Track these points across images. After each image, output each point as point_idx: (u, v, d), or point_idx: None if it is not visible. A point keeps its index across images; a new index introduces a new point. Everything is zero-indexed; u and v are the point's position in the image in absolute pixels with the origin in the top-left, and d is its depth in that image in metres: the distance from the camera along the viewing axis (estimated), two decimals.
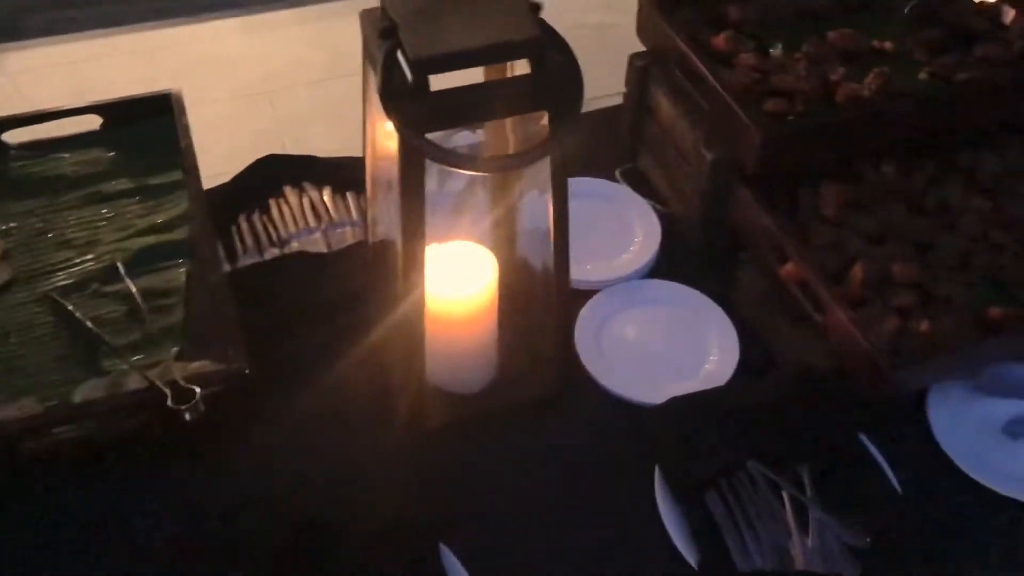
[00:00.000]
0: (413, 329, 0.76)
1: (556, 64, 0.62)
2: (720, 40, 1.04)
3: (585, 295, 0.99)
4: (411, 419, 0.83)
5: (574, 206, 1.07)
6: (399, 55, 0.62)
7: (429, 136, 0.62)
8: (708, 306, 0.97)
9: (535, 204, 0.80)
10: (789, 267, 0.90)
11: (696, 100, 0.99)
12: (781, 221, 0.92)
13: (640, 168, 1.13)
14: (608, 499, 0.83)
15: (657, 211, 1.07)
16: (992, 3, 1.08)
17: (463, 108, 0.63)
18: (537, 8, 0.63)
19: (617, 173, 1.12)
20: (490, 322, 0.83)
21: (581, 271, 1.00)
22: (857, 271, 0.88)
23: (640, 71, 1.06)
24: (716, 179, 0.96)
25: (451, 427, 0.86)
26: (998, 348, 0.87)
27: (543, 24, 0.63)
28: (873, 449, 0.85)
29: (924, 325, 0.84)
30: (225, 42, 2.54)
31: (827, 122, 0.94)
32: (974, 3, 1.08)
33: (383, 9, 0.64)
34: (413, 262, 0.68)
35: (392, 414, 0.84)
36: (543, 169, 0.69)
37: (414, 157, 0.62)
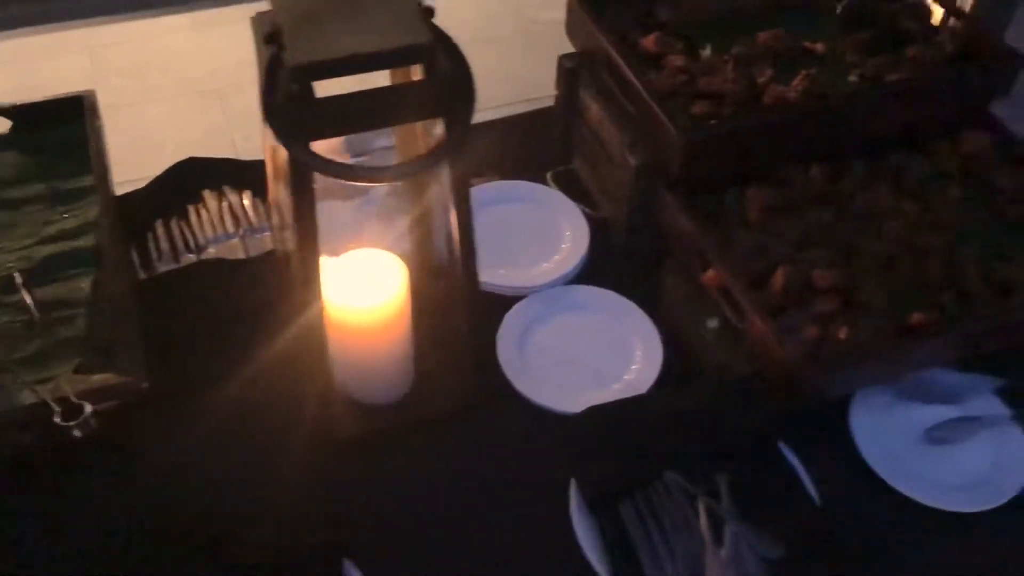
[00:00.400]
0: (315, 340, 0.74)
1: (448, 70, 0.60)
2: (649, 41, 1.02)
3: (511, 301, 0.97)
4: (319, 431, 0.81)
5: (503, 210, 1.06)
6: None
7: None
8: (634, 312, 0.96)
9: (448, 211, 0.78)
10: (710, 273, 0.88)
11: (622, 103, 0.97)
12: (704, 226, 0.90)
13: (574, 171, 1.11)
14: (523, 512, 0.82)
15: (587, 215, 1.05)
16: (925, 5, 1.07)
17: (350, 115, 0.61)
18: (430, 12, 0.61)
19: (549, 176, 1.10)
20: (402, 331, 0.81)
21: (506, 277, 0.98)
22: (778, 277, 0.87)
23: (569, 72, 1.05)
24: (640, 184, 0.95)
25: (363, 439, 0.84)
26: (919, 354, 0.87)
27: (435, 29, 0.61)
28: (792, 458, 0.84)
29: (843, 332, 0.83)
30: (175, 38, 2.50)
31: (751, 125, 0.93)
32: (907, 5, 1.07)
33: (269, 13, 0.62)
34: (307, 272, 0.66)
35: (301, 426, 0.82)
36: None
37: (300, 166, 0.60)
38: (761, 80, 0.97)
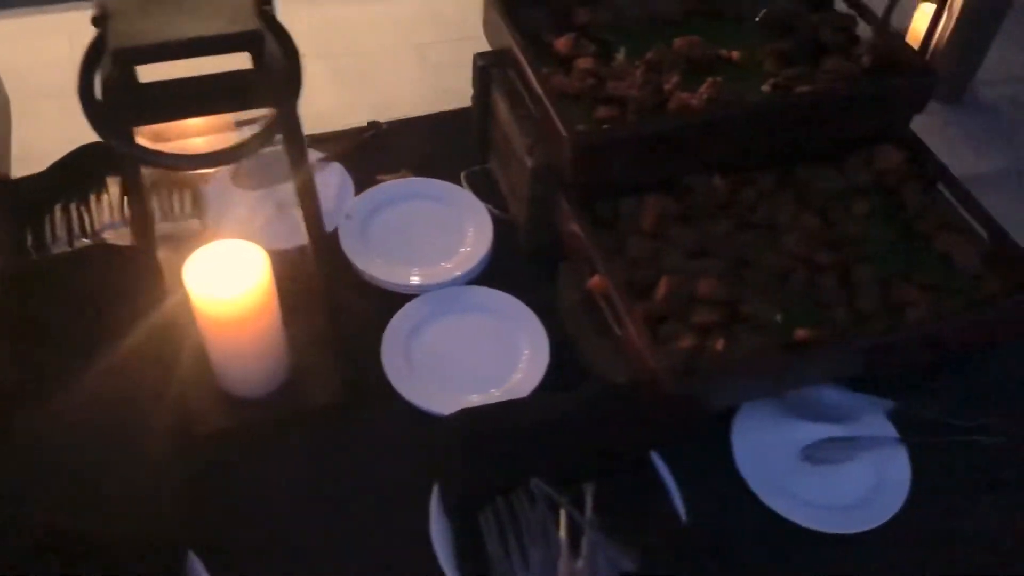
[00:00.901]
0: (184, 331, 0.73)
1: (276, 59, 0.59)
2: (561, 43, 1.01)
3: (409, 299, 0.96)
4: (185, 423, 0.80)
5: (411, 207, 1.05)
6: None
7: None
8: (526, 316, 0.94)
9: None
10: (595, 279, 0.87)
11: (527, 103, 0.96)
12: (594, 231, 0.89)
13: (490, 171, 1.10)
14: (384, 516, 0.81)
15: (496, 216, 1.04)
16: (848, 17, 1.05)
17: (175, 102, 0.60)
18: (265, 1, 0.60)
19: (462, 176, 1.09)
20: (268, 323, 0.80)
21: (401, 275, 0.97)
22: (661, 286, 0.85)
23: (482, 71, 1.04)
24: (537, 186, 0.94)
25: (231, 432, 0.83)
26: (802, 371, 0.85)
27: (268, 18, 0.60)
28: (664, 470, 0.82)
29: (719, 344, 0.81)
30: None
31: (645, 132, 0.91)
32: (828, 16, 1.05)
33: None
34: (144, 261, 0.65)
35: (169, 418, 0.81)
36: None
37: (122, 154, 0.59)
38: (667, 86, 0.96)
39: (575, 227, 0.89)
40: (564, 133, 0.87)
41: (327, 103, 2.33)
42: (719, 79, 0.95)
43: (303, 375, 0.86)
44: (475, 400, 0.88)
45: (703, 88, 0.95)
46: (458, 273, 0.97)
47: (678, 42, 1.02)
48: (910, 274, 0.90)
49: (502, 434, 0.82)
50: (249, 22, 0.59)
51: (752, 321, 0.85)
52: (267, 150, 1.02)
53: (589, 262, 0.88)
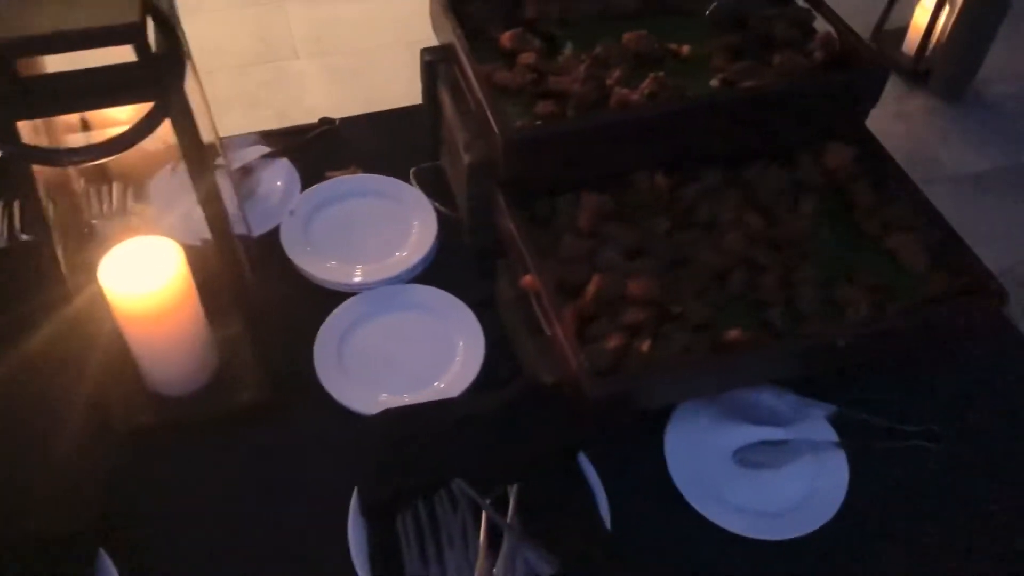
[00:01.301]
0: (88, 328, 0.73)
1: (160, 52, 0.59)
2: (506, 37, 0.99)
3: (346, 297, 0.95)
4: (107, 420, 0.80)
5: (357, 204, 1.04)
6: None
7: None
8: (464, 315, 0.93)
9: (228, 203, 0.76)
10: (527, 278, 0.85)
11: (467, 98, 0.95)
12: (528, 228, 0.87)
13: (441, 167, 1.09)
14: (306, 518, 0.80)
15: (442, 213, 1.03)
16: (804, 10, 1.03)
17: (57, 97, 0.59)
18: None
19: (411, 172, 1.08)
20: (187, 319, 0.79)
21: (341, 272, 0.96)
22: (591, 285, 0.84)
23: (428, 67, 1.02)
24: (475, 183, 0.92)
25: (150, 430, 0.82)
26: (731, 372, 0.83)
27: (153, 9, 0.59)
28: (590, 472, 0.81)
29: (645, 345, 0.79)
30: None
31: (580, 128, 0.89)
32: (782, 10, 1.03)
33: None
34: (46, 258, 0.64)
35: (94, 415, 0.81)
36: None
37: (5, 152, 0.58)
38: (609, 82, 0.94)
39: (510, 225, 0.88)
40: (496, 129, 0.86)
41: (320, 100, 2.33)
42: (661, 74, 0.93)
43: (230, 373, 0.85)
44: (406, 400, 0.87)
45: (645, 83, 0.93)
46: (399, 271, 0.96)
47: (626, 37, 1.00)
48: (854, 274, 0.88)
49: (425, 435, 0.81)
50: (130, 14, 0.58)
51: (684, 321, 0.83)
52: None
53: (523, 260, 0.86)
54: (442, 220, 1.02)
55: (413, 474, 0.79)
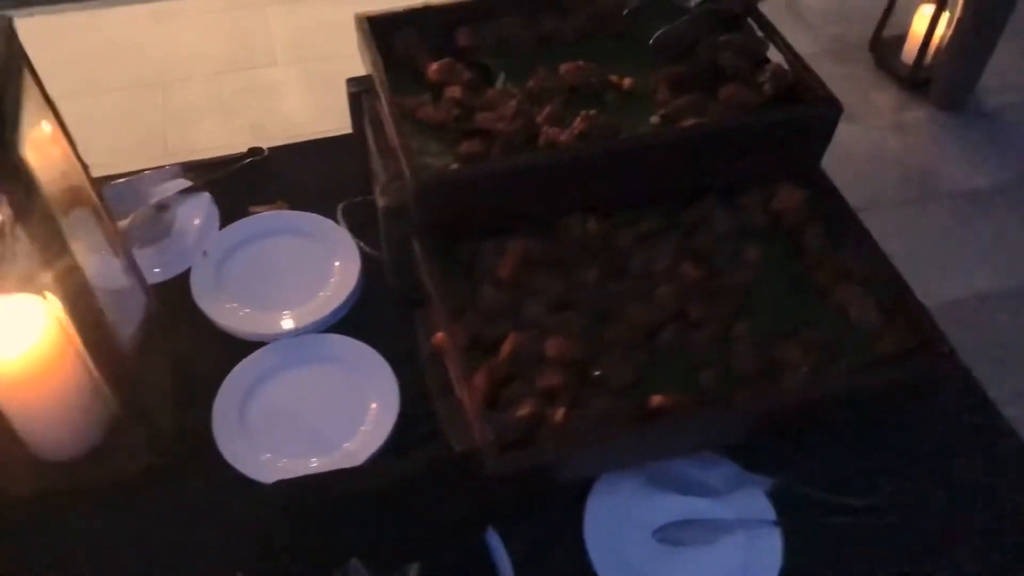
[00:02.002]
0: None
1: None
2: (433, 68, 0.93)
3: (257, 347, 0.89)
4: None
5: (278, 243, 0.97)
6: None
7: None
8: (380, 369, 0.87)
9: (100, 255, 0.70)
10: (438, 335, 0.79)
11: (390, 135, 0.88)
12: (443, 280, 0.81)
13: (373, 202, 1.02)
14: None
15: (367, 254, 0.97)
16: (755, 39, 0.96)
17: None
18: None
19: (339, 209, 1.01)
20: (61, 380, 0.73)
21: (255, 322, 0.90)
22: (506, 345, 0.77)
23: (353, 98, 0.96)
24: (392, 227, 0.86)
25: (28, 499, 0.77)
26: (654, 442, 0.76)
27: None
28: (498, 550, 0.74)
29: (559, 414, 0.73)
30: (134, 29, 2.47)
31: (502, 171, 0.83)
32: (731, 39, 0.95)
33: None
34: None
35: None
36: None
37: None
38: (540, 119, 0.87)
39: (424, 275, 0.81)
40: (408, 172, 0.79)
41: (298, 108, 2.28)
42: (593, 113, 0.86)
43: (120, 436, 0.79)
44: (313, 465, 0.81)
45: (577, 122, 0.86)
46: (316, 318, 0.90)
47: (563, 68, 0.93)
48: (800, 330, 0.81)
49: (321, 508, 0.75)
50: None
51: (605, 385, 0.76)
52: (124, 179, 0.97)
53: (438, 314, 0.80)
54: (369, 261, 0.96)
55: (305, 553, 0.73)
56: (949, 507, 0.80)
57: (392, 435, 0.83)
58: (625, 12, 0.97)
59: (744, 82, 0.92)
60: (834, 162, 0.93)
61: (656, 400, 0.75)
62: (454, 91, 0.90)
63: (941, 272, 1.87)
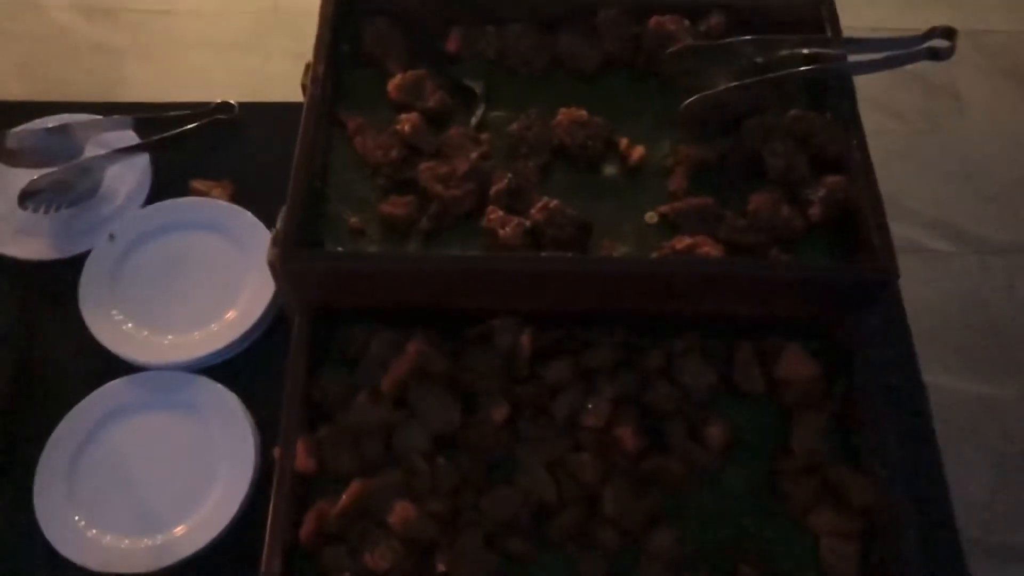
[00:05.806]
0: None
1: None
2: (395, 84, 0.73)
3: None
4: None
5: (197, 241, 0.80)
6: None
7: None
8: (240, 429, 0.72)
9: None
10: (277, 449, 0.63)
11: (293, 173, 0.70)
12: (312, 373, 0.65)
13: None
14: None
15: None
16: (827, 124, 0.69)
17: None
18: None
19: (281, 212, 0.84)
20: None
21: (132, 341, 0.76)
22: (346, 494, 0.61)
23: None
24: (280, 287, 0.69)
25: None
26: None
27: None
28: None
29: None
30: None
31: (399, 271, 0.64)
32: (800, 119, 0.69)
33: None
34: None
35: None
36: None
37: None
38: (494, 189, 0.67)
39: (290, 360, 0.65)
40: (278, 248, 0.62)
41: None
42: (554, 204, 0.65)
43: None
44: (144, 545, 0.69)
45: (536, 209, 0.65)
46: (200, 354, 0.75)
47: (562, 115, 0.71)
48: (744, 558, 0.61)
49: None
50: None
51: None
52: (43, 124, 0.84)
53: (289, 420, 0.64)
54: None
55: None
56: None
57: (236, 519, 0.69)
58: (668, 51, 0.72)
59: (788, 190, 0.68)
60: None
61: None
62: (407, 122, 0.70)
63: None
